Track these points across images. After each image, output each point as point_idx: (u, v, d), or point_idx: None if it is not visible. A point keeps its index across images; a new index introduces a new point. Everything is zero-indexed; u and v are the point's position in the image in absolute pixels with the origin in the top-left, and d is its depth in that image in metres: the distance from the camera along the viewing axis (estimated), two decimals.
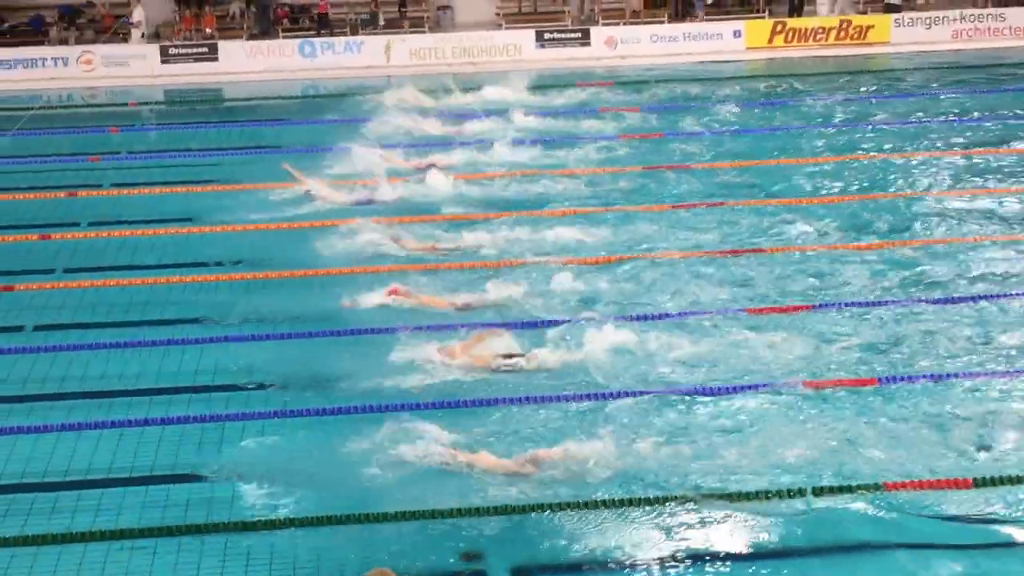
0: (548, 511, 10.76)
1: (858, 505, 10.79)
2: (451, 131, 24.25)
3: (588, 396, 12.94)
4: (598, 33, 33.07)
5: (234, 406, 13.01)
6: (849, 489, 10.91)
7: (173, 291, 16.31)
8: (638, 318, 14.89)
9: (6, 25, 33.33)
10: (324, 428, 12.39)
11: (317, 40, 32.45)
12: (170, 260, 17.56)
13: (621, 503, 10.87)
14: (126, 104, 28.28)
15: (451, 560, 10.21)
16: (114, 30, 33.03)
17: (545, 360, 13.76)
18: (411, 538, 10.44)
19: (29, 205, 20.58)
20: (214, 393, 13.42)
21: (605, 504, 10.83)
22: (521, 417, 12.56)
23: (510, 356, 13.56)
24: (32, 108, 27.60)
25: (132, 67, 31.23)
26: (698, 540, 10.42)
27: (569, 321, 14.63)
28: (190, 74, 31.14)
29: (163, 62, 31.52)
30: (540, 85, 28.46)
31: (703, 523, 10.66)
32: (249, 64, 31.50)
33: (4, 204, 20.61)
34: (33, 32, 33.18)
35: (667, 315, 15.02)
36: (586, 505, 10.82)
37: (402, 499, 10.90)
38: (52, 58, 31.18)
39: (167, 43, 32.31)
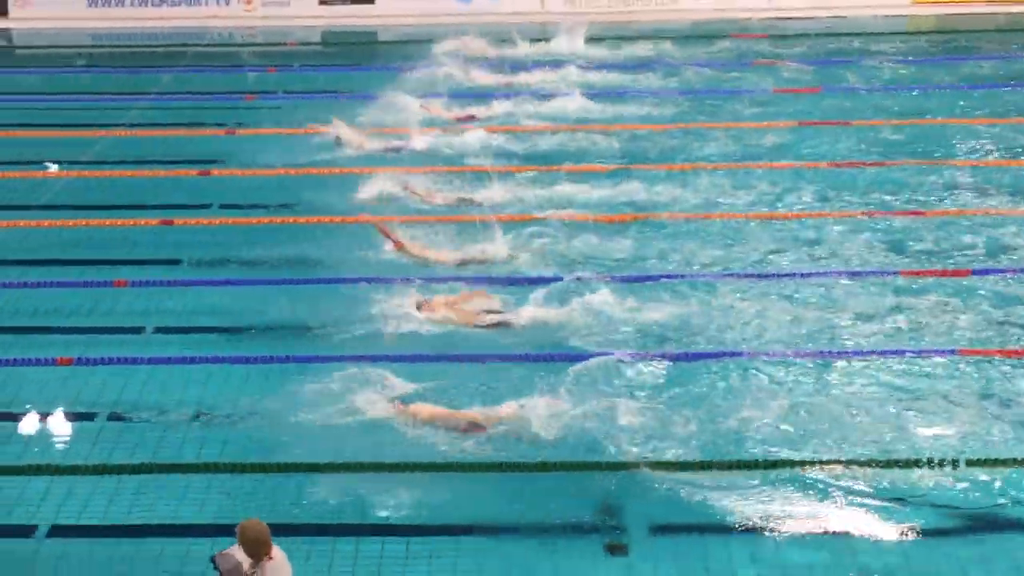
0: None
1: None
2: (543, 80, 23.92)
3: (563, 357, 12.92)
4: None
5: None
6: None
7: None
8: (762, 276, 14.97)
9: None
10: (280, 375, 12.74)
11: None
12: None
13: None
14: (284, 44, 28.69)
15: None
16: None
17: (534, 319, 13.76)
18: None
19: (189, 141, 21.12)
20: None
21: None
22: (489, 375, 12.62)
23: (493, 314, 13.41)
24: (194, 46, 28.25)
25: (292, 7, 31.65)
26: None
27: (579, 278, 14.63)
28: (347, 16, 31.44)
29: (321, 3, 31.87)
30: (696, 35, 28.04)
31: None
32: (405, 7, 31.63)
33: (165, 140, 21.20)
34: None
35: (797, 274, 14.98)
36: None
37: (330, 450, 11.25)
38: None
39: None
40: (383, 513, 10.60)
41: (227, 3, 31.57)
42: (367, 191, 17.72)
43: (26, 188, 18.54)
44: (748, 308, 14.25)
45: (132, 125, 21.43)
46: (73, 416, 12.32)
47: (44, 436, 12.06)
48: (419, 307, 13.59)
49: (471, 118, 21.35)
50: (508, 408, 11.79)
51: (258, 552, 7.93)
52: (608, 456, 11.29)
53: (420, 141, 20.01)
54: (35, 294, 15.05)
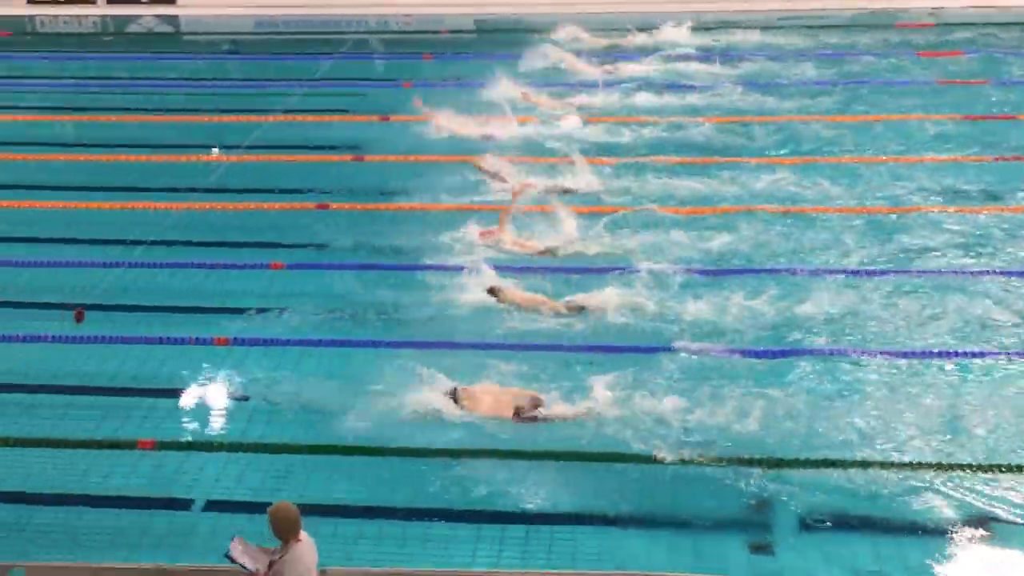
0: None
1: None
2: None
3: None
4: None
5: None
6: None
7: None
8: (922, 273, 14.65)
9: None
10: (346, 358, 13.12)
11: None
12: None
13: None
14: (438, 32, 28.96)
15: None
16: None
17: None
18: None
19: (345, 127, 21.49)
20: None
21: None
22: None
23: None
24: (352, 33, 28.74)
25: None
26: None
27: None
28: (496, 4, 31.53)
29: None
30: (856, 24, 27.37)
31: None
32: None
33: (321, 125, 21.60)
34: None
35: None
36: None
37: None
38: None
39: None
40: (539, 501, 10.71)
41: None
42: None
43: (192, 171, 19.10)
44: (905, 305, 13.94)
45: (291, 111, 21.90)
46: (229, 394, 12.69)
47: (202, 413, 12.45)
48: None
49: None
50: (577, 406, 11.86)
51: (287, 534, 8.20)
52: (749, 453, 11.18)
53: (514, 129, 20.06)
54: (197, 275, 15.57)
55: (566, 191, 17.50)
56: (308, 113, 21.93)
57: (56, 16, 31.52)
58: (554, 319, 13.89)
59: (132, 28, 30.89)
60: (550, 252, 15.59)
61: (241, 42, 29.10)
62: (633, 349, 13.15)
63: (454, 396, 11.95)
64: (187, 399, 12.62)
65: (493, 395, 11.99)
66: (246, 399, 12.56)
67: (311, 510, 10.43)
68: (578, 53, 24.86)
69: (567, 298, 14.19)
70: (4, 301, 15.02)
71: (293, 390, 12.58)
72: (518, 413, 11.80)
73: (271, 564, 8.24)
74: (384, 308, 14.41)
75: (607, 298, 14.02)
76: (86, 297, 14.52)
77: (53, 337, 13.85)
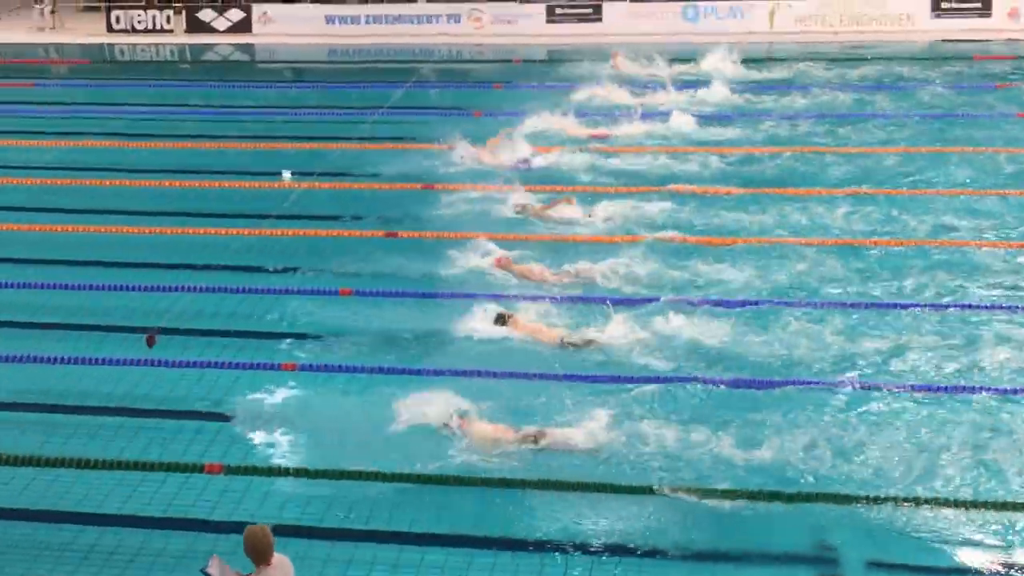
0: None
1: None
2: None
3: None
4: (1001, 3, 30.90)
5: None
6: None
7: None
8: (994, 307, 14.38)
9: None
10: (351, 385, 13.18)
11: (701, 3, 32.13)
12: None
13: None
14: (511, 61, 29.09)
15: None
16: None
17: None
18: None
19: (414, 155, 21.58)
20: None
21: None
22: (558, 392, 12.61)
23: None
24: (424, 63, 28.95)
25: (519, 25, 32.12)
26: None
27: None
28: (573, 34, 31.66)
29: (548, 21, 32.22)
30: (933, 56, 27.05)
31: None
32: (632, 26, 31.65)
33: (392, 153, 21.69)
34: None
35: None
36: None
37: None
38: (446, 15, 32.51)
39: (554, 3, 32.99)
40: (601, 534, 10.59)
41: (457, 21, 32.26)
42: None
43: (265, 197, 19.27)
44: (964, 339, 13.70)
45: (363, 139, 22.05)
46: (295, 420, 12.70)
47: (269, 438, 12.45)
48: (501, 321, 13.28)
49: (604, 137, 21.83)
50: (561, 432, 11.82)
51: (258, 558, 8.28)
52: (821, 487, 11.01)
53: (546, 159, 20.41)
54: (266, 299, 15.65)
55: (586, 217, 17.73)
56: (380, 141, 22.06)
57: (135, 44, 32.13)
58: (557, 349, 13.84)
59: (208, 56, 31.42)
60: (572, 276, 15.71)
61: (314, 71, 29.44)
62: (632, 379, 13.01)
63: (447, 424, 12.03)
64: (254, 424, 12.61)
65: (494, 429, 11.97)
66: (312, 425, 12.53)
67: (371, 536, 10.48)
68: (624, 82, 25.19)
69: (574, 331, 14.09)
70: (77, 324, 15.19)
71: (360, 416, 12.55)
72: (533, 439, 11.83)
73: None
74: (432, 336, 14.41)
75: (615, 331, 13.94)
76: (157, 320, 14.66)
77: (124, 360, 13.98)
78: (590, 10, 32.37)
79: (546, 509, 10.86)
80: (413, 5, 33.28)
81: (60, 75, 29.85)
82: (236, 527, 10.73)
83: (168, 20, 32.80)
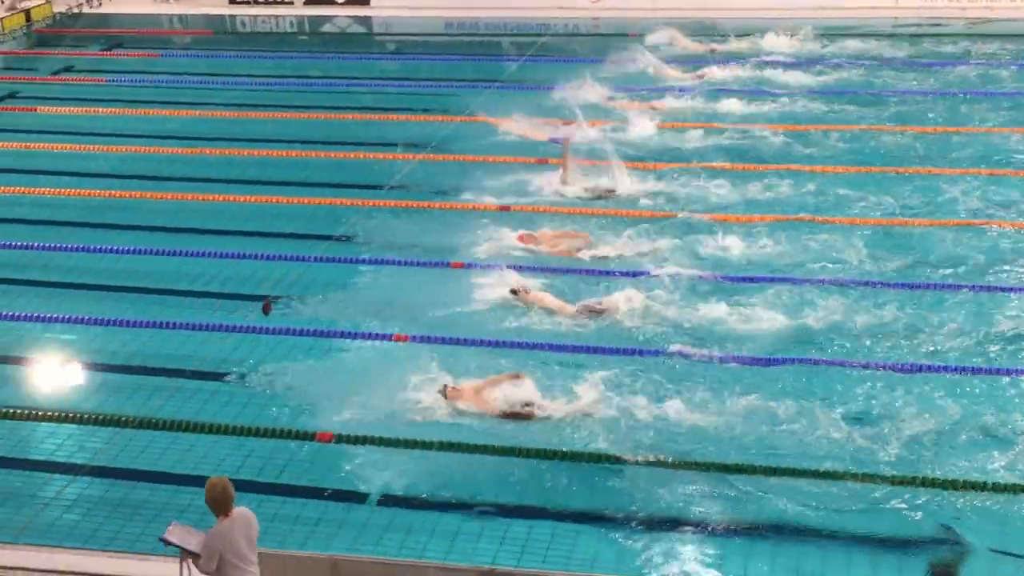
0: None
1: None
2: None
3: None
4: None
5: None
6: None
7: None
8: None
9: None
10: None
11: None
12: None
13: None
14: (626, 35, 28.77)
15: None
16: None
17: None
18: None
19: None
20: None
21: None
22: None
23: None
24: (541, 36, 28.82)
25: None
26: None
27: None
28: (687, 7, 31.18)
29: None
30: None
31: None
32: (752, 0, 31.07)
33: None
34: None
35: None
36: None
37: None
38: None
39: None
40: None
41: None
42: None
43: (379, 169, 19.44)
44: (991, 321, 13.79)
45: (475, 111, 22.07)
46: (410, 391, 12.78)
47: (376, 410, 12.57)
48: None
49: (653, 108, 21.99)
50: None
51: (217, 510, 8.60)
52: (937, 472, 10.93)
53: (586, 133, 20.16)
54: (382, 272, 15.81)
55: (607, 193, 18.00)
56: (494, 115, 22.04)
57: (255, 16, 32.56)
58: (569, 320, 14.19)
59: (326, 28, 31.70)
60: (580, 246, 16.09)
61: (431, 43, 29.52)
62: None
63: (444, 393, 12.40)
64: (367, 395, 12.74)
65: (479, 389, 12.42)
66: (424, 398, 12.62)
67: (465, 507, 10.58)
68: (670, 58, 25.23)
69: (583, 302, 14.47)
70: (193, 291, 15.55)
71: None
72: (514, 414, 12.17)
73: None
74: None
75: (622, 301, 14.32)
76: (273, 289, 14.93)
77: (238, 328, 14.26)
78: None
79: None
80: None
81: (183, 45, 30.39)
82: (345, 496, 11.06)
83: None
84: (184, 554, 8.69)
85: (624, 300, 14.34)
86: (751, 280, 15.03)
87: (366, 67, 27.01)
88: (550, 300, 14.54)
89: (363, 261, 16.06)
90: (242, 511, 8.71)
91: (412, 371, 12.84)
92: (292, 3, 32.97)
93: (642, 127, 20.78)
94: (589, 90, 22.63)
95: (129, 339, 14.29)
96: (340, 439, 11.93)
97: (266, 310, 13.91)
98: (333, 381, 12.97)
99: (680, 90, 22.99)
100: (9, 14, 31.12)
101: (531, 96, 22.85)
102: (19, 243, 16.93)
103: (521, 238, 16.28)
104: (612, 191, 18.04)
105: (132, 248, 16.69)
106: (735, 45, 26.49)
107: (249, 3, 32.99)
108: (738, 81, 23.79)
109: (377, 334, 13.91)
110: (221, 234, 17.30)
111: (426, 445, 11.72)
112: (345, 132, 21.62)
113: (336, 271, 15.79)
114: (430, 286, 15.14)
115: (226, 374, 13.33)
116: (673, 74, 24.36)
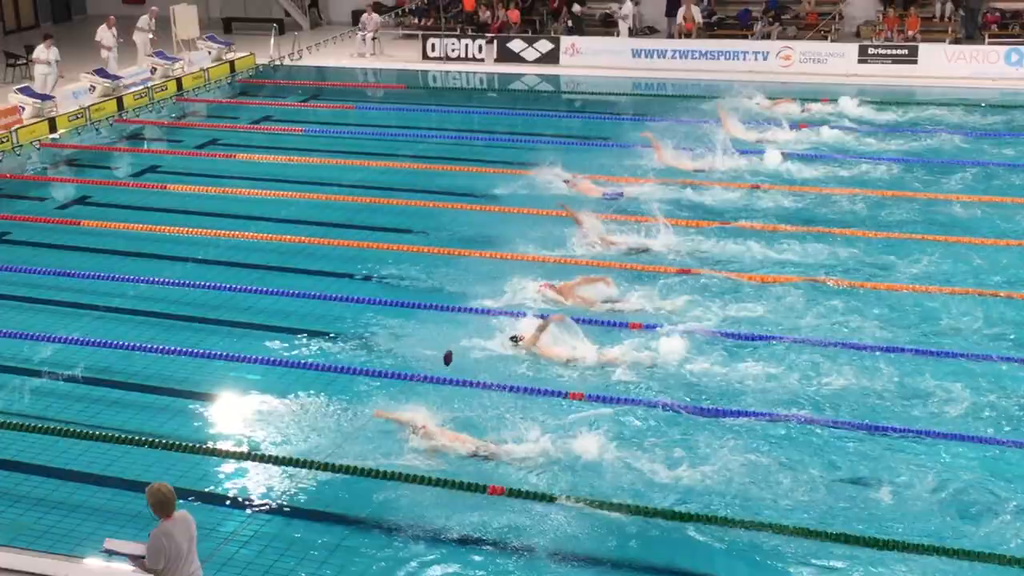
0: None
1: None
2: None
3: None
4: None
5: None
6: None
7: None
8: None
9: (715, 17, 34.88)
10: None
11: None
12: None
13: None
14: (816, 101, 28.29)
15: None
16: (818, 28, 33.48)
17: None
18: None
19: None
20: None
21: None
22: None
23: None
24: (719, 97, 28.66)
25: (829, 64, 31.37)
26: None
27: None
28: (886, 75, 30.65)
29: (860, 61, 31.31)
30: None
31: None
32: (949, 69, 30.36)
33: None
34: (739, 25, 34.49)
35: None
36: None
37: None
38: (753, 51, 32.12)
39: (866, 42, 32.06)
40: None
41: (764, 58, 31.82)
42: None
43: (559, 225, 19.50)
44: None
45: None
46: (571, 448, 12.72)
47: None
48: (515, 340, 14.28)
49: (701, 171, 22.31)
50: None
51: (158, 513, 9.29)
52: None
53: (638, 189, 21.13)
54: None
55: (643, 249, 18.39)
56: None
57: (447, 72, 33.30)
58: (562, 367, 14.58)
59: (515, 85, 32.17)
60: (600, 292, 16.47)
61: (616, 102, 29.60)
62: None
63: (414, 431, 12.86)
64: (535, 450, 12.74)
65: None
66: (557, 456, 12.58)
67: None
68: (749, 118, 25.59)
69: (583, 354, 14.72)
70: (362, 335, 15.77)
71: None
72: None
73: None
74: None
75: (620, 354, 14.63)
76: (452, 338, 15.04)
77: (413, 376, 14.42)
78: (905, 51, 31.23)
79: None
80: (721, 41, 33.07)
81: (376, 98, 31.25)
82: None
83: (480, 49, 33.86)
84: (130, 559, 9.45)
85: (622, 352, 14.69)
86: (755, 339, 15.12)
87: (551, 124, 27.23)
88: (551, 350, 14.80)
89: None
90: (182, 513, 9.42)
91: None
92: (483, 60, 33.61)
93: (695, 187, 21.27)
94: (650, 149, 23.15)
95: (311, 380, 14.58)
96: (511, 492, 11.95)
97: (447, 361, 14.08)
98: None
99: (741, 151, 23.16)
100: (215, 64, 32.57)
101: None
102: (213, 284, 17.53)
103: (543, 288, 16.63)
104: (647, 248, 18.41)
105: (319, 294, 17.08)
106: (820, 108, 26.74)
107: (442, 59, 33.77)
108: (806, 144, 24.10)
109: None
110: (396, 281, 17.58)
111: None
112: (530, 187, 21.76)
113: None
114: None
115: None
116: (741, 134, 24.53)
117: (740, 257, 17.98)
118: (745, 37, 33.59)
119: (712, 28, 34.47)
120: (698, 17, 33.67)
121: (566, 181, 21.53)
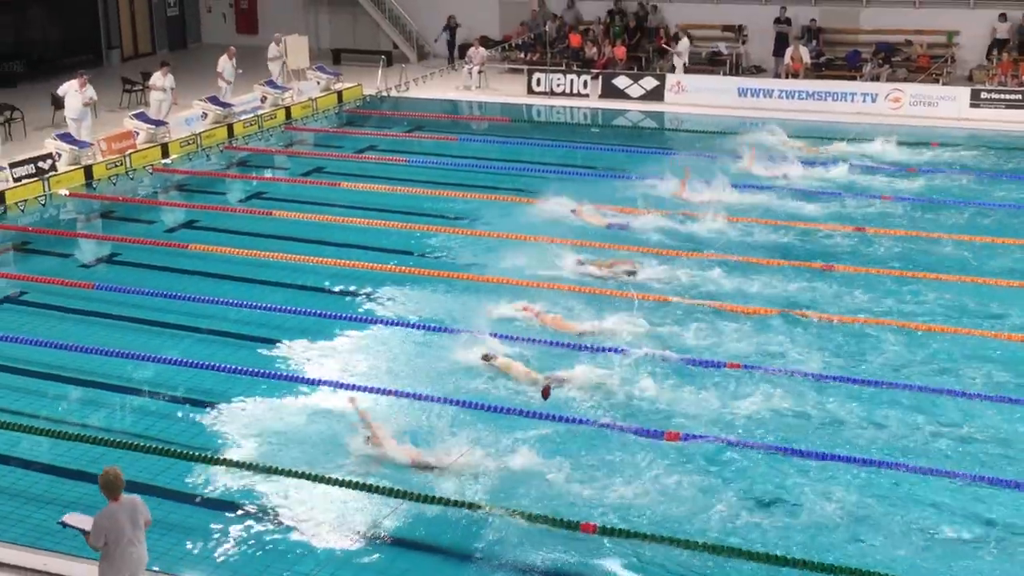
0: None
1: None
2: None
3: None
4: None
5: None
6: None
7: None
8: None
9: (823, 58, 34.50)
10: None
11: None
12: None
13: None
14: (927, 144, 27.87)
15: None
16: (929, 71, 32.94)
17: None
18: None
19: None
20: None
21: None
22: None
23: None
24: (826, 139, 28.28)
25: (940, 108, 30.83)
26: None
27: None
28: (997, 120, 30.05)
29: (972, 106, 30.73)
30: None
31: None
32: None
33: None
34: (847, 66, 34.08)
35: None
36: None
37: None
38: (861, 93, 31.72)
39: (979, 86, 31.45)
40: None
41: (873, 100, 31.38)
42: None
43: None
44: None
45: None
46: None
47: None
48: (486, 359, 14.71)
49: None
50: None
51: (106, 495, 10.03)
52: None
53: (643, 222, 21.69)
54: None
55: (629, 274, 19.00)
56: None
57: (551, 106, 33.42)
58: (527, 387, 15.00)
59: (619, 121, 32.15)
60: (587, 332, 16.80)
61: (717, 140, 29.35)
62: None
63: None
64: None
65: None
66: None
67: None
68: (774, 155, 26.17)
69: (548, 373, 15.19)
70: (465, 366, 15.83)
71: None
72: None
73: None
74: None
75: (584, 375, 15.10)
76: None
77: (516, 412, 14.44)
78: (1019, 96, 30.57)
79: None
80: (829, 82, 32.67)
81: (480, 131, 31.46)
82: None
83: (585, 85, 33.93)
84: (84, 534, 10.10)
85: (585, 374, 15.16)
86: (716, 366, 15.61)
87: (656, 160, 27.10)
88: (518, 368, 15.38)
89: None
90: (131, 498, 10.15)
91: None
92: (588, 96, 33.68)
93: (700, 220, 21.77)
94: (667, 182, 23.85)
95: (407, 408, 14.67)
96: (603, 531, 11.89)
97: (545, 395, 14.16)
98: None
99: (754, 186, 23.89)
100: (324, 94, 33.11)
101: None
102: (313, 311, 17.76)
103: (525, 309, 17.32)
104: (633, 272, 19.05)
105: (419, 324, 17.22)
106: (842, 148, 27.12)
107: (547, 94, 33.92)
108: (816, 181, 24.57)
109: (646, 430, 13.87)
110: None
111: None
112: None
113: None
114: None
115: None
116: (758, 171, 25.11)
117: (716, 286, 18.54)
118: (854, 78, 33.18)
119: (820, 68, 34.11)
120: (806, 57, 33.35)
121: (573, 211, 22.08)
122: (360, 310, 17.93)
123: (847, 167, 25.39)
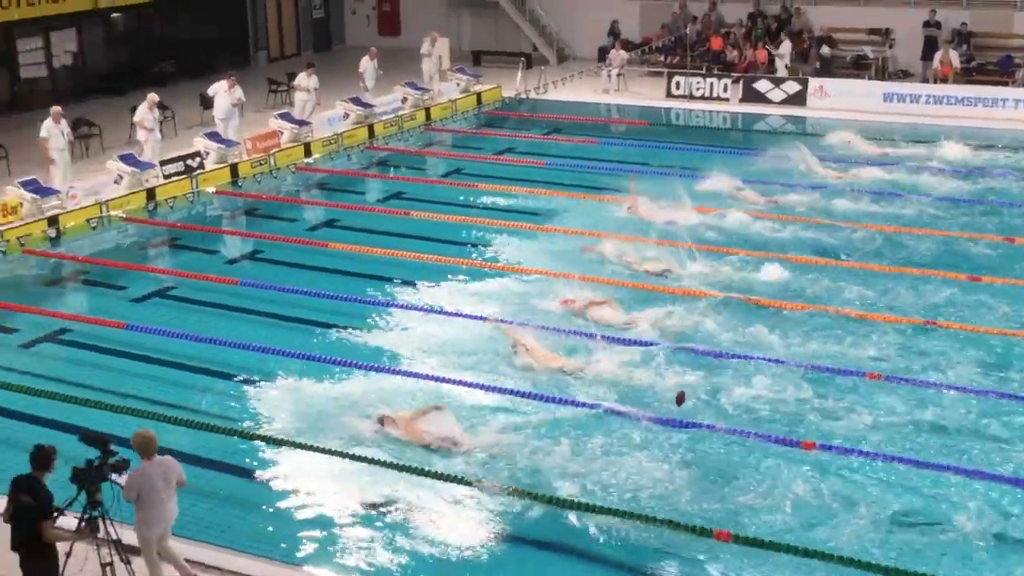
0: None
1: None
2: None
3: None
4: None
5: None
6: None
7: None
8: None
9: (973, 62, 33.51)
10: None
11: None
12: None
13: None
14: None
15: None
16: None
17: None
18: None
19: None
20: None
21: None
22: None
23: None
24: (994, 146, 27.46)
25: None
26: None
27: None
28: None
29: None
30: None
31: None
32: None
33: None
34: (999, 71, 33.04)
35: None
36: None
37: None
38: (1014, 99, 30.71)
39: None
40: None
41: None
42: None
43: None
44: None
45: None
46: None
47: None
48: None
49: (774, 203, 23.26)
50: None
51: (140, 454, 10.75)
52: None
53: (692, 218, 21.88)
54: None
55: (665, 272, 19.30)
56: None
57: (690, 110, 33.12)
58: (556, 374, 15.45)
59: (759, 126, 31.70)
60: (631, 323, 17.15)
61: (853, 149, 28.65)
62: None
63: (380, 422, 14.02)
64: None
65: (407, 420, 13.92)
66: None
67: None
68: (837, 157, 26.30)
69: (573, 358, 15.75)
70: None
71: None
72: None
73: None
74: None
75: (607, 365, 15.41)
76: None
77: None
78: None
79: None
80: (980, 87, 31.70)
81: (618, 134, 31.34)
82: None
83: (725, 89, 33.54)
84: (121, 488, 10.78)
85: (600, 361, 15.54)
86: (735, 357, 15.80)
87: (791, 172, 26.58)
88: (539, 353, 15.82)
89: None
90: (165, 458, 10.91)
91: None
92: (728, 99, 33.29)
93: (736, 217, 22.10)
94: (724, 180, 24.18)
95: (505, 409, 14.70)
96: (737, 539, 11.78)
97: (680, 402, 14.05)
98: None
99: (812, 187, 23.84)
100: (463, 95, 33.40)
101: None
102: (446, 310, 17.93)
103: (564, 302, 17.62)
104: (668, 270, 19.32)
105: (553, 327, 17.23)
106: (909, 150, 27.00)
107: (686, 97, 33.63)
108: (879, 183, 24.30)
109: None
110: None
111: None
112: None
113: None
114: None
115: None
116: (821, 171, 25.19)
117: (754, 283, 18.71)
118: (1006, 84, 32.15)
119: (970, 73, 33.13)
120: (956, 62, 32.43)
121: (629, 208, 22.40)
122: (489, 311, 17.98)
123: (1002, 176, 24.57)
